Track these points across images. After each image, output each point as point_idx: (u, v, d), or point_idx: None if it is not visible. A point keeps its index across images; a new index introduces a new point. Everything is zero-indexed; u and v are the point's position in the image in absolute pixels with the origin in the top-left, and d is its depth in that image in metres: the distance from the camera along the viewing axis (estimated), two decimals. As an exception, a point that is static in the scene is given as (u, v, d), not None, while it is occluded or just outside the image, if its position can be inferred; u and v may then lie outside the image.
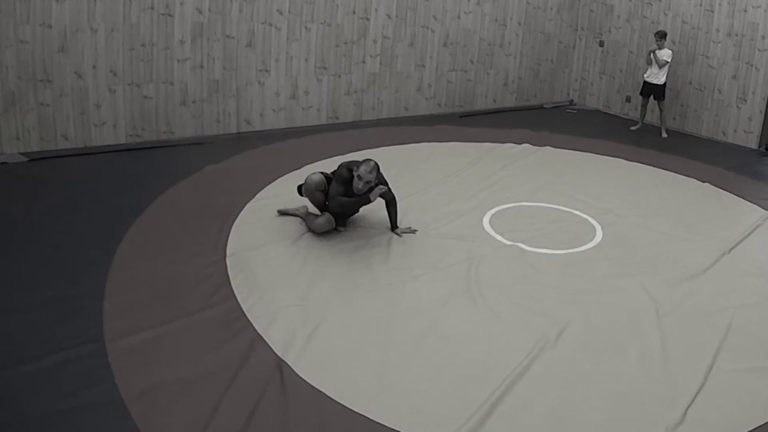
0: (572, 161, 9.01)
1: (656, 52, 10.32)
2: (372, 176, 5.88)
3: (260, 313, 4.80)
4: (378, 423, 3.79)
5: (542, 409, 4.01)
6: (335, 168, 6.12)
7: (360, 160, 6.09)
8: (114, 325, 4.50)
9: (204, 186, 7.12)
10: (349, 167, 6.00)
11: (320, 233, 6.11)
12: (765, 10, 10.12)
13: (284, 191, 7.10)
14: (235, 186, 7.13)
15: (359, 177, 5.86)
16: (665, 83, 10.53)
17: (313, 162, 8.05)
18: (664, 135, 10.74)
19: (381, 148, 8.87)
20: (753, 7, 10.22)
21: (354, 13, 9.88)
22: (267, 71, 9.31)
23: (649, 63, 10.49)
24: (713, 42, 10.76)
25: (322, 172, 6.26)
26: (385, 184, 6.11)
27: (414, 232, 6.37)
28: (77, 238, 5.74)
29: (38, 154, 7.61)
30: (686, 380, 4.33)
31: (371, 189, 5.97)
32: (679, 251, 6.36)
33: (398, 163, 8.30)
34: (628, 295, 5.46)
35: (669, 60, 10.34)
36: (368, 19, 10.06)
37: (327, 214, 6.12)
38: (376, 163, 5.96)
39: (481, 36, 11.46)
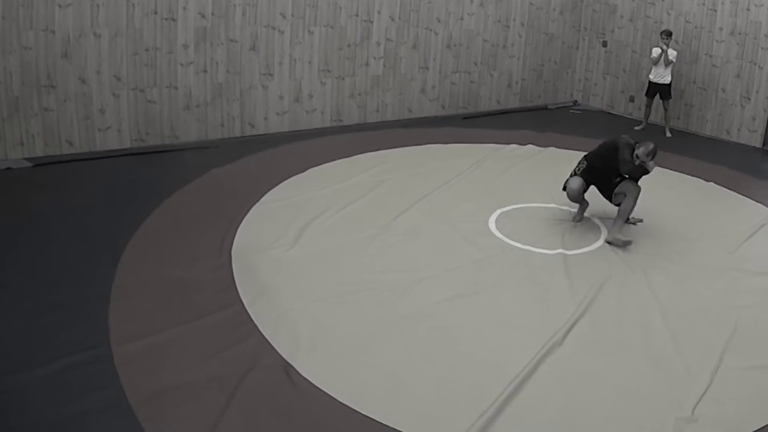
0: (577, 162, 8.98)
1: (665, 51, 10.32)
2: (648, 159, 6.41)
3: (267, 316, 4.80)
4: (386, 425, 3.78)
5: (550, 409, 4.01)
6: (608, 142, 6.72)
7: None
8: (120, 329, 4.50)
9: (209, 190, 7.13)
10: (629, 143, 6.50)
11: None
12: (768, 9, 10.12)
13: (289, 194, 7.11)
14: (240, 189, 7.13)
15: (637, 156, 6.38)
16: (671, 82, 10.53)
17: (318, 165, 8.07)
18: (669, 134, 10.73)
19: (385, 150, 8.87)
20: (756, 5, 10.20)
21: (357, 15, 9.88)
22: (270, 75, 9.31)
23: (656, 63, 10.47)
24: (716, 41, 10.74)
25: (577, 173, 6.79)
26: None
27: (641, 221, 6.93)
28: (82, 243, 5.75)
29: (43, 159, 7.62)
30: (693, 379, 4.32)
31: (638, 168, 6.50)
32: (685, 251, 6.34)
33: (402, 165, 8.31)
34: (635, 294, 5.46)
35: (674, 60, 10.34)
36: (371, 22, 10.06)
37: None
38: (655, 147, 6.44)
39: (484, 37, 11.45)
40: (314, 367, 4.26)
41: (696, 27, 10.95)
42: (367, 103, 10.40)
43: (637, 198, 6.50)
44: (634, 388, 4.24)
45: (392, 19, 10.27)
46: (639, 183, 6.58)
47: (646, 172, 6.57)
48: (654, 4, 11.48)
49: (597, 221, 6.92)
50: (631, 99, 12.11)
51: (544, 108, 12.51)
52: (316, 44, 9.61)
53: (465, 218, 6.78)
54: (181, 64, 8.52)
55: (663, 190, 8.02)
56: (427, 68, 10.95)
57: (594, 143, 9.74)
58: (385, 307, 5.06)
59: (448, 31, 10.97)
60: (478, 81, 11.66)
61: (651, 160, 6.43)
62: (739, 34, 10.45)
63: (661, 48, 10.41)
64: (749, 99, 10.50)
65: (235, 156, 8.29)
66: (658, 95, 10.68)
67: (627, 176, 6.56)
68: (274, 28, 9.15)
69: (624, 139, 6.55)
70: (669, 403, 4.07)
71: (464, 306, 5.15)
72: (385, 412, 3.89)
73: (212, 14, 8.58)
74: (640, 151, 6.37)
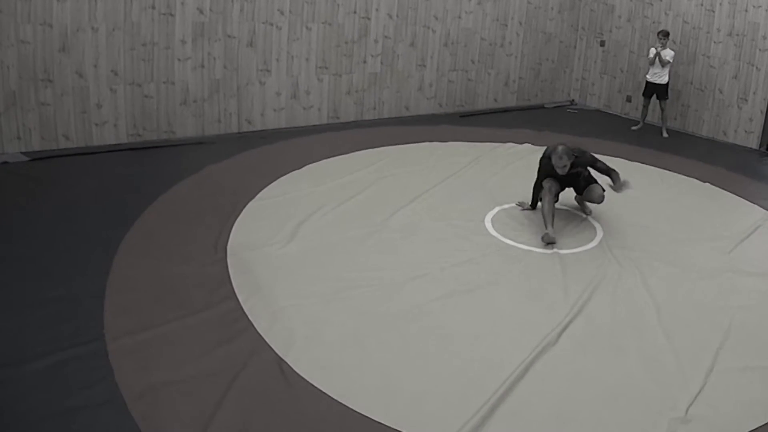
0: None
1: (660, 51, 10.32)
2: (563, 161, 6.33)
3: (261, 312, 4.80)
4: (379, 423, 3.79)
5: (544, 408, 4.01)
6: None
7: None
8: (115, 325, 4.50)
9: (205, 186, 7.12)
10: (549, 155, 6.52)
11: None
12: (766, 10, 10.11)
13: (285, 191, 7.10)
14: (236, 186, 7.13)
15: (554, 166, 6.40)
16: (668, 83, 10.54)
17: (314, 162, 8.06)
18: (665, 135, 10.73)
19: (382, 148, 8.87)
20: (754, 6, 10.21)
21: (355, 12, 9.87)
22: (268, 71, 9.30)
23: (652, 63, 10.48)
24: (714, 42, 10.75)
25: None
26: (589, 160, 6.61)
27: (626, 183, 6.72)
28: (78, 238, 5.74)
29: (39, 153, 7.61)
30: (687, 380, 4.33)
31: (574, 167, 6.47)
32: (680, 251, 6.35)
33: (399, 162, 8.30)
34: (629, 294, 5.46)
35: (671, 60, 10.34)
36: (369, 19, 10.06)
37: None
38: (565, 148, 6.38)
39: (482, 36, 11.45)
40: (308, 363, 4.26)
41: (694, 28, 10.95)
42: (364, 100, 10.40)
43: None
44: (628, 389, 4.24)
45: (390, 17, 10.26)
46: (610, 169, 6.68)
47: (594, 162, 6.62)
48: (652, 5, 11.48)
49: (593, 221, 6.92)
50: (628, 99, 12.12)
51: (541, 107, 12.51)
52: (313, 41, 9.60)
53: (461, 216, 6.78)
54: (179, 60, 8.51)
55: (659, 190, 8.04)
56: (425, 66, 10.94)
57: (591, 142, 9.81)
58: (380, 304, 5.06)
59: (446, 29, 10.97)
60: (475, 79, 11.66)
61: (569, 159, 6.33)
62: (737, 35, 10.46)
63: (655, 48, 10.42)
64: (746, 100, 10.51)
65: (231, 152, 8.28)
66: (655, 95, 10.69)
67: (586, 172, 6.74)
68: (271, 25, 9.14)
69: (558, 152, 6.40)
70: (663, 404, 4.08)
71: (459, 304, 5.15)
72: (379, 409, 3.89)
73: (210, 10, 8.57)
74: (554, 162, 6.38)
